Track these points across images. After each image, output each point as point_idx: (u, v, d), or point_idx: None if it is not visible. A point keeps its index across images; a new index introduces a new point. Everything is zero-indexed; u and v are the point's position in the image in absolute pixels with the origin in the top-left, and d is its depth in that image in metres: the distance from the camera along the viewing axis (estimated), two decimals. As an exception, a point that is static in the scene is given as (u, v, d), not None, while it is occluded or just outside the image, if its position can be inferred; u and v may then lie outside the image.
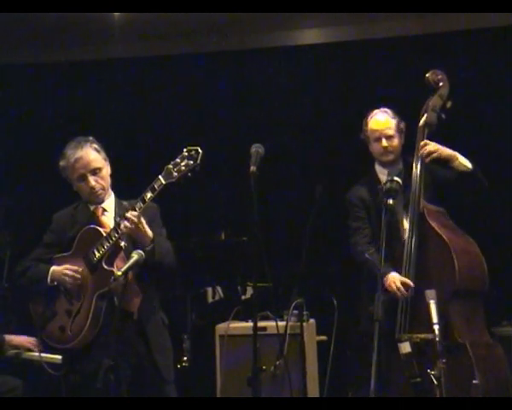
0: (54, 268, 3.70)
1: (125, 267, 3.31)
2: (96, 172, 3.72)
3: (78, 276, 3.64)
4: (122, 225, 3.55)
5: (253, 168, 3.50)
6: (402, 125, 4.15)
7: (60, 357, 3.88)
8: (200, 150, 3.55)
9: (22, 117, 6.03)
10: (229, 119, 5.88)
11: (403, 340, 3.59)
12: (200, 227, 5.60)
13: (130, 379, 3.58)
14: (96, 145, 3.76)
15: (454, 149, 4.00)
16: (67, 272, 3.65)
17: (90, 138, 3.79)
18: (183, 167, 3.53)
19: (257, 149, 3.58)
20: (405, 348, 3.54)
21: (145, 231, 3.57)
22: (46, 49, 6.06)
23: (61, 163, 3.77)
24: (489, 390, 3.56)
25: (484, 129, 5.46)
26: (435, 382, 3.19)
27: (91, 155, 3.73)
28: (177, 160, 3.56)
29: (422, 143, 3.96)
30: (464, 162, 3.94)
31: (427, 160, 3.94)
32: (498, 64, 5.46)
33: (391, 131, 4.11)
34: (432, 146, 3.95)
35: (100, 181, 3.74)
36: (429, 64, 4.19)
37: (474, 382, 3.49)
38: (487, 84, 5.47)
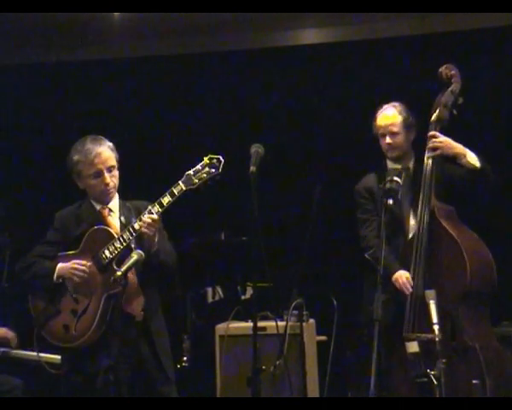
0: (61, 265, 3.67)
1: (125, 267, 3.31)
2: (111, 169, 3.72)
3: (87, 270, 3.62)
4: (137, 226, 3.55)
5: (252, 168, 3.50)
6: (411, 120, 4.11)
7: (59, 357, 3.87)
8: (221, 159, 3.56)
9: (22, 117, 6.03)
10: (229, 119, 5.88)
11: (411, 339, 3.57)
12: (200, 227, 5.60)
13: (133, 380, 3.59)
14: (110, 144, 3.77)
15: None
16: (76, 266, 3.63)
17: (103, 137, 3.78)
18: (205, 175, 3.55)
19: (257, 149, 3.59)
20: (413, 347, 3.51)
21: (156, 234, 3.59)
22: (46, 49, 6.05)
23: (76, 157, 3.72)
24: (499, 394, 3.55)
25: (483, 128, 5.46)
26: (435, 382, 3.19)
27: (108, 152, 3.73)
28: (199, 167, 3.57)
29: (431, 133, 3.93)
30: (472, 160, 3.89)
31: (431, 154, 3.91)
32: (498, 64, 5.46)
33: (395, 128, 4.09)
34: (438, 141, 3.92)
35: (113, 179, 3.74)
36: (429, 64, 4.18)
37: (473, 382, 3.49)
38: (487, 84, 5.46)
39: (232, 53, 5.95)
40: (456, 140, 3.97)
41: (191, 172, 3.57)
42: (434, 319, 3.28)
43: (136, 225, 3.56)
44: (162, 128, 5.98)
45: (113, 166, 3.73)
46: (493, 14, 5.29)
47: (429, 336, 3.57)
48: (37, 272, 3.71)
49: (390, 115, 4.12)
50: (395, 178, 3.66)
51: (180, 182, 3.56)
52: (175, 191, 3.55)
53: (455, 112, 4.01)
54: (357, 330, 4.54)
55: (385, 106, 4.16)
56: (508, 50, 5.44)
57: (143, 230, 3.53)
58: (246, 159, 3.55)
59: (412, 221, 4.00)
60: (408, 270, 3.85)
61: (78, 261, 3.64)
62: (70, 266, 3.64)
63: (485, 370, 3.58)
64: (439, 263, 3.81)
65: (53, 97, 6.01)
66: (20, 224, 5.59)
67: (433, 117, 4.01)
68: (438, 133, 3.94)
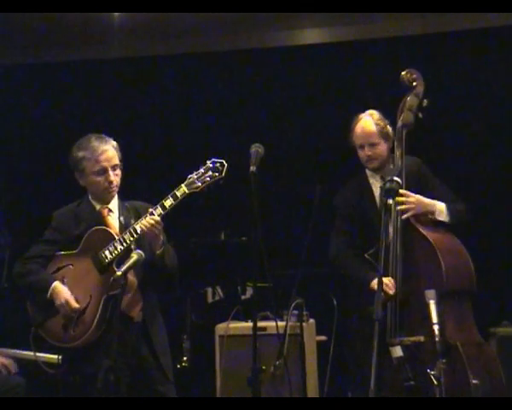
0: (56, 286, 3.63)
1: (125, 267, 3.30)
2: (115, 168, 3.72)
3: (75, 314, 3.59)
4: (139, 228, 3.55)
5: (252, 168, 3.50)
6: (388, 129, 4.05)
7: (56, 357, 3.86)
8: (225, 163, 3.55)
9: (22, 117, 6.03)
10: (229, 119, 5.88)
11: (394, 344, 3.58)
12: (200, 227, 5.60)
13: (132, 380, 3.59)
14: (114, 143, 3.77)
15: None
16: (69, 302, 3.60)
17: (106, 136, 3.78)
18: (208, 178, 3.54)
19: (257, 149, 3.58)
20: (397, 351, 3.53)
21: (160, 236, 3.59)
22: (46, 49, 6.06)
23: (81, 154, 3.70)
24: (484, 390, 3.55)
25: (482, 128, 5.47)
26: (435, 382, 3.18)
27: (113, 150, 3.73)
28: (201, 170, 3.56)
29: (403, 192, 3.82)
30: (441, 216, 3.88)
31: (403, 216, 3.84)
32: (498, 64, 5.46)
33: (374, 139, 4.02)
34: (410, 201, 3.84)
35: (116, 178, 3.74)
36: (429, 64, 4.18)
37: (473, 382, 3.48)
38: (487, 84, 5.47)
39: (232, 53, 5.95)
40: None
41: (194, 175, 3.56)
42: (434, 319, 3.27)
43: (138, 227, 3.56)
44: (161, 128, 5.99)
45: (116, 165, 3.73)
46: (493, 15, 5.30)
47: (412, 339, 3.59)
48: (33, 284, 3.70)
49: (368, 126, 4.05)
50: (395, 178, 3.64)
51: (183, 185, 3.55)
52: (178, 194, 3.55)
53: (420, 115, 3.97)
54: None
55: (360, 116, 4.09)
56: (507, 50, 5.45)
57: (146, 231, 3.53)
58: (246, 159, 3.54)
59: (391, 228, 3.97)
60: (386, 275, 3.84)
61: (72, 299, 3.62)
62: (64, 297, 3.61)
63: (468, 367, 3.57)
64: (416, 266, 3.81)
65: (53, 97, 6.01)
66: (20, 223, 5.59)
67: (399, 122, 3.96)
68: (408, 192, 3.86)
